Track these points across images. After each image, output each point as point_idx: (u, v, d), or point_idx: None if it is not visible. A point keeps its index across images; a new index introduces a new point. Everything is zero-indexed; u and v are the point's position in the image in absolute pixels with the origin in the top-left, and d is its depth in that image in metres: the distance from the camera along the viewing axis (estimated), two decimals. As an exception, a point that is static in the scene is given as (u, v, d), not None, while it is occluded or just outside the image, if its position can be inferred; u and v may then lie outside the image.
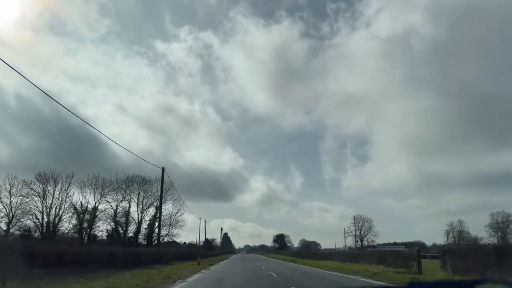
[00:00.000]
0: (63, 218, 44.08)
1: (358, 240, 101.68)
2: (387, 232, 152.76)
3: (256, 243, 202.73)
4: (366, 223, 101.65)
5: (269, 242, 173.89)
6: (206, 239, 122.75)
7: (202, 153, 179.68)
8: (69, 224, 45.11)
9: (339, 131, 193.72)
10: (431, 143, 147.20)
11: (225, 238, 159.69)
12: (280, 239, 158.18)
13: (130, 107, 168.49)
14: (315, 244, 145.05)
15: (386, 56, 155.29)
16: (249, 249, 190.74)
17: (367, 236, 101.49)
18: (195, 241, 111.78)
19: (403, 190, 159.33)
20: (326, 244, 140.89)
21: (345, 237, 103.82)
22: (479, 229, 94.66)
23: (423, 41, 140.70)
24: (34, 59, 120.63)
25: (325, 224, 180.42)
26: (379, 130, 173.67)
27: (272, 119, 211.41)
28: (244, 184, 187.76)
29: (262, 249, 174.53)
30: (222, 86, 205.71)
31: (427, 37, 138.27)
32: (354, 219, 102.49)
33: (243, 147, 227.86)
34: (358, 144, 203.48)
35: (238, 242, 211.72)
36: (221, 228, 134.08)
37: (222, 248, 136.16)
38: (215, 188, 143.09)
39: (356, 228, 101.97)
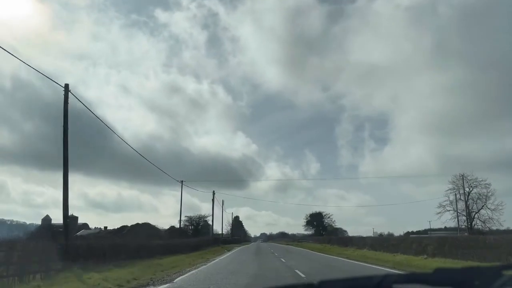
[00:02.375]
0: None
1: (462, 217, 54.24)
2: (406, 220, 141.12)
3: (272, 231, 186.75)
4: (475, 189, 53.75)
5: (290, 229, 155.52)
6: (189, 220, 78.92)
7: (213, 138, 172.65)
8: None
9: (357, 112, 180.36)
10: (458, 122, 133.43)
11: (236, 223, 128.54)
12: (316, 220, 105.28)
13: (134, 87, 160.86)
14: (341, 231, 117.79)
15: (412, 24, 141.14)
16: (266, 237, 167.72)
17: (478, 213, 53.53)
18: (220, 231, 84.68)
19: (424, 175, 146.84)
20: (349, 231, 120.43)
21: (457, 213, 54.24)
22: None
23: (452, 8, 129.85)
24: (28, 35, 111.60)
25: (342, 210, 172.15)
26: (401, 107, 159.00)
27: (285, 98, 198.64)
28: (258, 171, 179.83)
29: (282, 236, 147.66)
30: (230, 60, 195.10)
31: (456, 3, 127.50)
32: (463, 179, 54.01)
33: (256, 132, 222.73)
34: (378, 125, 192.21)
35: (253, 231, 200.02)
36: (213, 192, 67.41)
37: (232, 235, 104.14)
38: (228, 176, 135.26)
39: (461, 197, 54.23)
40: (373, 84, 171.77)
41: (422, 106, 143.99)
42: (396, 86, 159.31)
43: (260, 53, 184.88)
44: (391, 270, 19.07)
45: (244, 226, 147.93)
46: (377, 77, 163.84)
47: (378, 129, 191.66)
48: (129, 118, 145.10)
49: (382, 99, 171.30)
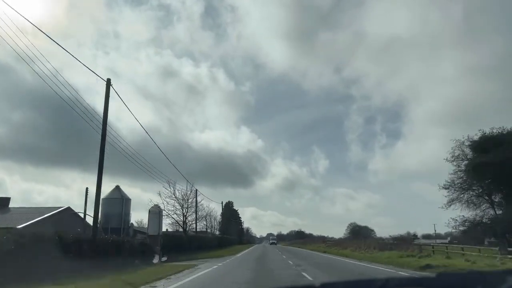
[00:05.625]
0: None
1: None
2: (424, 219, 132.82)
3: (281, 231, 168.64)
4: None
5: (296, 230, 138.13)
6: None
7: (215, 132, 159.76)
8: None
9: (372, 102, 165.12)
10: (482, 110, 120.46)
11: (229, 213, 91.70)
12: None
13: (125, 71, 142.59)
14: (367, 230, 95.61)
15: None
16: (275, 238, 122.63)
17: None
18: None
19: (439, 173, 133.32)
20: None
21: None
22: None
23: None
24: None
25: (350, 211, 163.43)
26: (420, 93, 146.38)
27: (292, 82, 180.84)
28: (264, 168, 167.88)
29: (298, 237, 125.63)
30: (229, 34, 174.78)
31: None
32: None
33: (260, 125, 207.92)
34: (391, 118, 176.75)
35: (259, 231, 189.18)
36: (196, 190, 47.12)
37: (222, 232, 75.21)
38: (232, 173, 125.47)
39: None
40: (391, 66, 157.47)
41: (442, 92, 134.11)
42: (416, 67, 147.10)
43: (262, 26, 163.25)
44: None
45: (244, 222, 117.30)
46: (395, 59, 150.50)
47: (391, 122, 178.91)
48: (122, 109, 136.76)
49: (400, 85, 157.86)
